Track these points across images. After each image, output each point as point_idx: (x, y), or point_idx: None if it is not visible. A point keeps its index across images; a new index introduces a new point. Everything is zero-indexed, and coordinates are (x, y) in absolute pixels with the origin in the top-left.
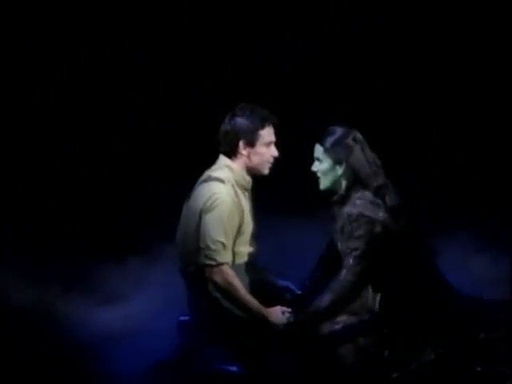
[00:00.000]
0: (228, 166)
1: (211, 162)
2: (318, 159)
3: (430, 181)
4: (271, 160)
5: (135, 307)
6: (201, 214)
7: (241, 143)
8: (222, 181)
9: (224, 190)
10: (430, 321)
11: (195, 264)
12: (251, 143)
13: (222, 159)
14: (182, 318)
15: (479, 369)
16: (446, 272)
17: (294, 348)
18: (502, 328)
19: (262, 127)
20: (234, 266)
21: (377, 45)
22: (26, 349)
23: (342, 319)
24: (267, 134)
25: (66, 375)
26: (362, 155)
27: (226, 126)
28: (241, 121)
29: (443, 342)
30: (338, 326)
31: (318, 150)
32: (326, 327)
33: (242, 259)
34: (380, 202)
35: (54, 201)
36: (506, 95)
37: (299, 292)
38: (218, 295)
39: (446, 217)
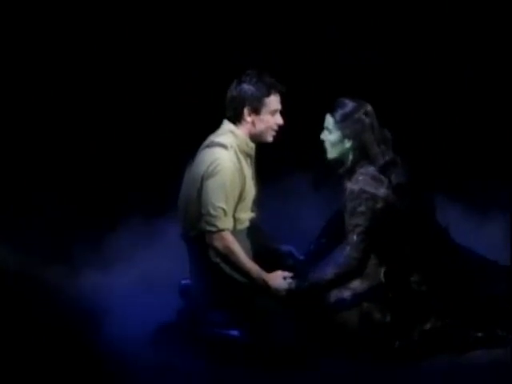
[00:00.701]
0: (232, 132)
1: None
2: (328, 129)
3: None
4: (275, 128)
5: (125, 275)
6: (203, 179)
7: (246, 110)
8: (224, 146)
9: (226, 156)
10: (435, 290)
11: (196, 229)
12: (256, 110)
13: (226, 124)
14: (183, 281)
15: (480, 334)
16: None
17: (295, 312)
18: (504, 293)
19: (268, 94)
20: (235, 232)
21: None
22: (16, 317)
23: (355, 285)
24: (273, 101)
25: (64, 343)
26: (371, 132)
27: (231, 92)
28: (247, 87)
29: (449, 312)
30: (347, 292)
31: (329, 121)
32: (335, 291)
33: (244, 225)
34: (383, 177)
35: (43, 171)
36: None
37: (301, 257)
38: (218, 260)
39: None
